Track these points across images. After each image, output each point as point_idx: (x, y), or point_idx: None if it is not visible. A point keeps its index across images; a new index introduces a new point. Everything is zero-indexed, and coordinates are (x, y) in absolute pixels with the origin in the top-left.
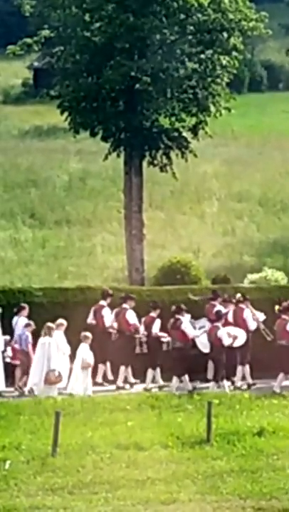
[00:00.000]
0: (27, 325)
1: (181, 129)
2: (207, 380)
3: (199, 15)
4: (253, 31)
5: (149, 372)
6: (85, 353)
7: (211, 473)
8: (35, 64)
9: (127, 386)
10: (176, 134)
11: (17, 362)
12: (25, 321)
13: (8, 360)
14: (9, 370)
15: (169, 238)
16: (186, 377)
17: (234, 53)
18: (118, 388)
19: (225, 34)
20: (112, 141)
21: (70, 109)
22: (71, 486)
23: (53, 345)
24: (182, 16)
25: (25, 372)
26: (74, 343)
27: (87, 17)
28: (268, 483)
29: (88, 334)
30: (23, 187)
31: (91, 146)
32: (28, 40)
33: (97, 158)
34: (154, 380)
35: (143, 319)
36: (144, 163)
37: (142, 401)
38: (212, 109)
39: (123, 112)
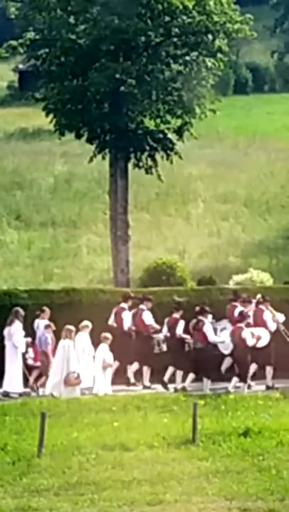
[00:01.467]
0: (47, 326)
1: (166, 131)
2: (222, 379)
3: (184, 17)
4: (238, 33)
5: (178, 374)
6: (105, 353)
7: (196, 474)
8: (21, 66)
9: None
10: (161, 135)
11: (38, 363)
12: (46, 322)
13: (30, 361)
14: (30, 371)
15: (154, 239)
16: (205, 378)
17: (219, 55)
18: (145, 387)
19: (210, 36)
20: (98, 143)
21: (55, 111)
22: (57, 487)
23: (72, 348)
24: (167, 18)
25: (44, 373)
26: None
27: (72, 19)
28: (254, 484)
29: (108, 335)
30: (8, 189)
31: (76, 148)
32: (14, 43)
33: (82, 160)
34: (172, 380)
35: (166, 320)
36: (130, 165)
37: (127, 402)
38: (197, 110)
39: (108, 114)
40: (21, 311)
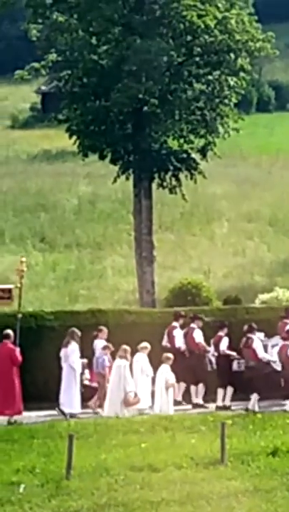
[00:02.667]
0: (104, 347)
1: (189, 151)
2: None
3: (206, 36)
4: (260, 52)
5: (220, 391)
6: (167, 373)
7: (225, 494)
8: (43, 88)
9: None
10: (184, 155)
11: (94, 384)
12: (104, 343)
13: (86, 382)
14: (87, 392)
15: (179, 260)
16: (255, 396)
17: (242, 74)
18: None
19: (232, 55)
20: (121, 164)
21: (78, 132)
22: (86, 509)
23: (128, 368)
24: (189, 38)
25: (101, 394)
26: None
27: (94, 40)
28: (283, 503)
29: (170, 355)
30: (32, 211)
31: (100, 169)
32: (36, 65)
33: (106, 181)
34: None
35: (212, 339)
36: (154, 185)
37: (155, 423)
38: (220, 130)
39: (131, 134)
40: (77, 332)
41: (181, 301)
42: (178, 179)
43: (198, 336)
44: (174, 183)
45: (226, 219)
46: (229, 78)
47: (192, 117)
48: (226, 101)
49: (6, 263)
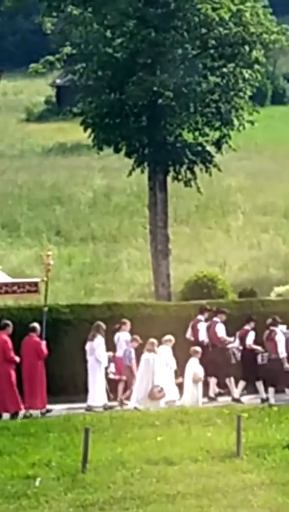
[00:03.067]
0: (132, 340)
1: (204, 144)
2: None
3: (220, 29)
4: (275, 44)
5: (241, 383)
6: (195, 367)
7: (241, 487)
8: (58, 81)
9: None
10: (199, 148)
11: (121, 377)
12: (127, 336)
13: (111, 376)
14: (112, 385)
15: (194, 253)
16: (272, 389)
17: (256, 66)
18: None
19: (247, 47)
20: (136, 157)
21: (93, 125)
22: (102, 502)
23: (157, 361)
24: (203, 31)
25: (129, 387)
26: None
27: (108, 33)
28: None
29: (198, 349)
30: (47, 204)
31: (115, 163)
32: (50, 58)
33: (121, 174)
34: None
35: (238, 332)
36: (169, 178)
37: (171, 416)
38: (235, 122)
39: (146, 127)
40: (103, 326)
41: (197, 294)
42: (193, 172)
43: (221, 330)
44: (189, 176)
45: (241, 212)
46: (244, 71)
47: (207, 110)
48: (241, 93)
49: (21, 256)
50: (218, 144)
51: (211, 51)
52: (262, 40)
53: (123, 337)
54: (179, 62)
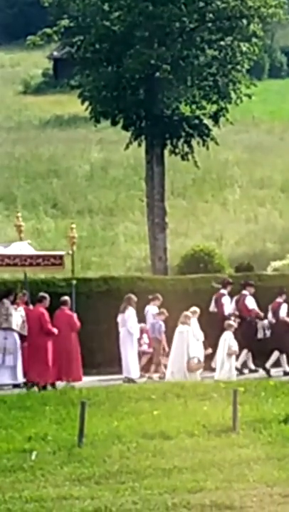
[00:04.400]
0: (159, 313)
1: (202, 117)
2: None
3: (218, 2)
4: (273, 17)
5: (274, 355)
6: (230, 340)
7: (237, 461)
8: (55, 54)
9: (246, 371)
10: (197, 121)
11: (150, 349)
12: (156, 309)
13: (145, 347)
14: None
15: (191, 226)
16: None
17: (254, 40)
18: (237, 371)
19: (244, 21)
20: (133, 130)
21: (90, 98)
22: (98, 476)
23: (191, 333)
24: (201, 4)
25: (156, 359)
26: (102, 332)
27: (106, 6)
28: None
29: (232, 322)
30: (44, 177)
31: (112, 135)
32: (48, 31)
33: (118, 147)
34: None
35: (270, 305)
36: (166, 152)
37: (167, 390)
38: (233, 96)
39: (144, 100)
40: (134, 298)
41: (194, 268)
42: (190, 145)
43: (251, 303)
44: (186, 149)
45: (238, 185)
46: (241, 44)
47: (204, 83)
48: (238, 67)
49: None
50: (215, 118)
51: (209, 24)
52: (260, 13)
53: (152, 310)
54: (177, 36)
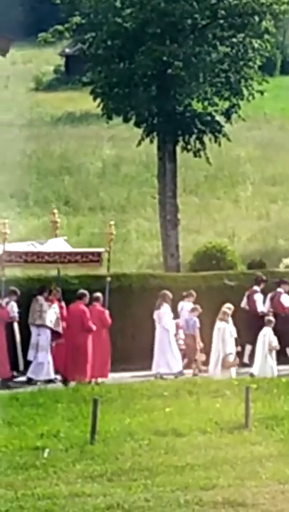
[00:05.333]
0: (193, 309)
1: (214, 113)
2: None
3: None
4: (285, 14)
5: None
6: (269, 336)
7: (250, 459)
8: (67, 51)
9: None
10: (209, 118)
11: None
12: (191, 306)
13: (181, 342)
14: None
15: (203, 223)
16: None
17: (266, 36)
18: None
19: (256, 17)
20: (145, 127)
21: (102, 95)
22: (110, 473)
23: (228, 330)
24: (213, 1)
25: (189, 356)
26: (116, 329)
27: (118, 3)
28: None
29: (272, 318)
30: (56, 174)
31: (124, 132)
32: (60, 27)
33: (130, 144)
34: None
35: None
36: (178, 149)
37: (179, 387)
38: (245, 92)
39: (156, 97)
40: (169, 294)
41: (206, 265)
42: (202, 142)
43: (287, 300)
44: (198, 146)
45: (250, 182)
46: (253, 41)
47: (216, 80)
48: (250, 63)
49: (30, 226)
50: (227, 114)
51: (221, 21)
52: (272, 10)
53: (186, 307)
54: (189, 32)
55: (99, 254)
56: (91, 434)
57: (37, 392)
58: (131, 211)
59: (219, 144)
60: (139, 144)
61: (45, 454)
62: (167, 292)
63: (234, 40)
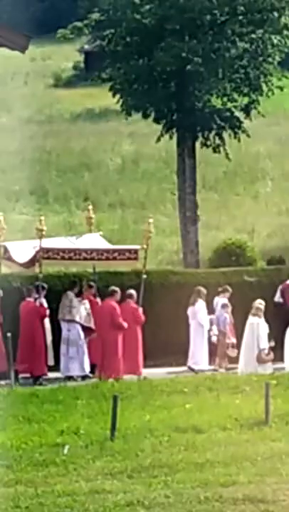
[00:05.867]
0: (224, 305)
1: (233, 109)
2: None
3: None
4: None
5: None
6: None
7: (270, 455)
8: (86, 47)
9: None
10: (228, 114)
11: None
12: (226, 301)
13: (214, 338)
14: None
15: (223, 219)
16: None
17: (285, 32)
18: None
19: (276, 13)
20: (165, 123)
21: (121, 91)
22: (130, 470)
23: (262, 325)
24: None
25: (220, 352)
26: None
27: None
28: None
29: None
30: (76, 171)
31: (143, 128)
32: (79, 24)
33: (149, 140)
34: None
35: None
36: (197, 145)
37: (199, 383)
38: (264, 88)
39: (175, 93)
40: (203, 290)
41: (225, 262)
42: (221, 138)
43: None
44: (217, 142)
45: (270, 178)
46: (273, 36)
47: (236, 76)
48: (270, 59)
49: (49, 223)
50: (246, 110)
51: (240, 17)
52: None
53: (221, 302)
54: (208, 29)
55: (136, 251)
56: (111, 430)
57: (57, 388)
58: (150, 207)
59: (238, 140)
60: (159, 140)
61: (65, 451)
62: (202, 288)
63: (253, 36)
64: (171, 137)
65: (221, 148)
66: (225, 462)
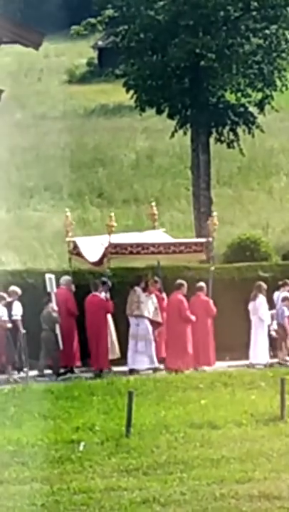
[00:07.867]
0: (284, 299)
1: (247, 105)
2: None
3: None
4: None
5: None
6: None
7: (285, 451)
8: (100, 43)
9: None
10: (242, 109)
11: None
12: (287, 295)
13: (273, 333)
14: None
15: (237, 215)
16: None
17: None
18: None
19: None
20: (179, 119)
21: (135, 87)
22: (146, 467)
23: None
24: None
25: (279, 345)
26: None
27: None
28: None
29: None
30: (90, 166)
31: (157, 124)
32: (92, 20)
33: (163, 135)
34: None
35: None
36: (211, 140)
37: (214, 379)
38: (278, 83)
39: (189, 88)
40: (264, 285)
41: (240, 257)
42: (235, 133)
43: None
44: (231, 137)
45: (284, 173)
46: (287, 32)
47: (249, 71)
48: (284, 55)
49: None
50: (260, 105)
51: (254, 13)
52: None
53: (282, 296)
54: (221, 24)
55: (202, 244)
56: (126, 427)
57: (72, 385)
58: (165, 203)
59: (253, 135)
60: (173, 135)
61: (81, 448)
62: (262, 283)
63: (267, 31)
64: (185, 133)
65: (235, 144)
66: (240, 458)
